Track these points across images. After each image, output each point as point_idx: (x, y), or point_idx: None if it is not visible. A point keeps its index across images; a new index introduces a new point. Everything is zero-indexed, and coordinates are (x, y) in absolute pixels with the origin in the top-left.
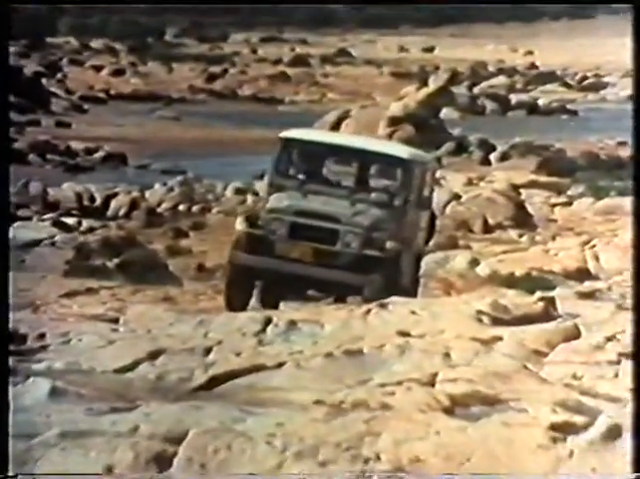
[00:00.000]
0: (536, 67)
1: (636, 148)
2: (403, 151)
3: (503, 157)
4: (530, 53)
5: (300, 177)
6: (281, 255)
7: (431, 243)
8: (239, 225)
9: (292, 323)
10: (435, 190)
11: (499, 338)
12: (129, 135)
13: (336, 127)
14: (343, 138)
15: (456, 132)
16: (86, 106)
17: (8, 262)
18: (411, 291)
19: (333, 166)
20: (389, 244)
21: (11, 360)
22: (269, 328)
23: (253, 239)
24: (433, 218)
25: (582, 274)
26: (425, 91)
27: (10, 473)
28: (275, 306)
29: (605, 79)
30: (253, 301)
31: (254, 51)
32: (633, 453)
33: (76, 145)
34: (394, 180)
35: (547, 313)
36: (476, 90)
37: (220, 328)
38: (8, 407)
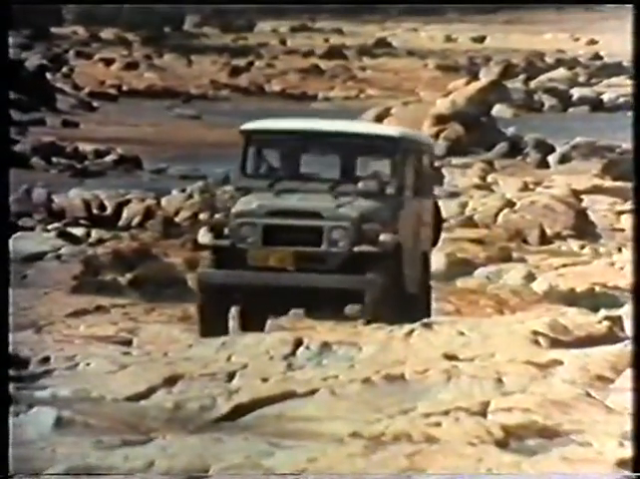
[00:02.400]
0: (601, 57)
1: (636, 148)
2: (392, 130)
3: (563, 159)
4: (594, 42)
5: (271, 175)
6: (257, 266)
7: (482, 256)
8: (203, 237)
9: (325, 345)
10: (435, 174)
11: (559, 362)
12: (143, 135)
13: None
14: (319, 122)
15: (510, 131)
16: (95, 103)
17: (8, 277)
18: (420, 300)
19: (310, 157)
20: (384, 237)
21: (11, 387)
22: (300, 351)
23: (221, 251)
24: (437, 210)
25: None
26: (475, 85)
27: (10, 473)
28: (260, 329)
29: None
30: (233, 326)
31: (283, 42)
32: (633, 453)
33: (84, 147)
34: (384, 165)
35: (613, 334)
36: (532, 84)
37: (245, 351)
38: (8, 407)
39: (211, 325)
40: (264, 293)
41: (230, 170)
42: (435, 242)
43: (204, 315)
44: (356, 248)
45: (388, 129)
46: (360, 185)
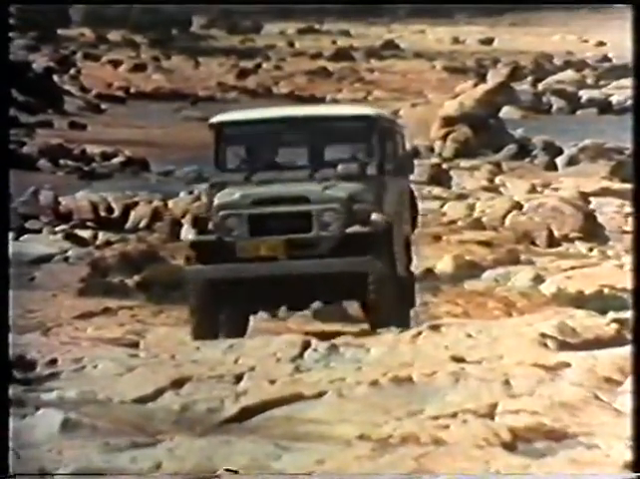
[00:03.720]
0: (609, 59)
1: (636, 148)
2: (367, 109)
3: (571, 161)
4: (602, 44)
5: (247, 167)
6: (246, 258)
7: (490, 258)
8: (186, 234)
9: (333, 347)
10: (409, 153)
11: (567, 365)
12: (150, 138)
13: None
14: (290, 109)
15: (518, 133)
16: (103, 105)
17: (8, 279)
18: (408, 286)
19: (285, 146)
20: (375, 217)
21: (18, 389)
22: (307, 353)
23: (207, 246)
24: (412, 195)
25: None
26: (483, 88)
27: (10, 473)
28: (244, 323)
29: None
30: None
31: (291, 44)
32: (633, 453)
33: (91, 149)
34: (360, 146)
35: (621, 337)
36: (540, 86)
37: (253, 353)
38: (9, 407)
39: (203, 326)
40: (257, 286)
41: (202, 168)
42: (413, 228)
43: (196, 315)
44: (348, 230)
45: (363, 109)
46: (340, 168)
